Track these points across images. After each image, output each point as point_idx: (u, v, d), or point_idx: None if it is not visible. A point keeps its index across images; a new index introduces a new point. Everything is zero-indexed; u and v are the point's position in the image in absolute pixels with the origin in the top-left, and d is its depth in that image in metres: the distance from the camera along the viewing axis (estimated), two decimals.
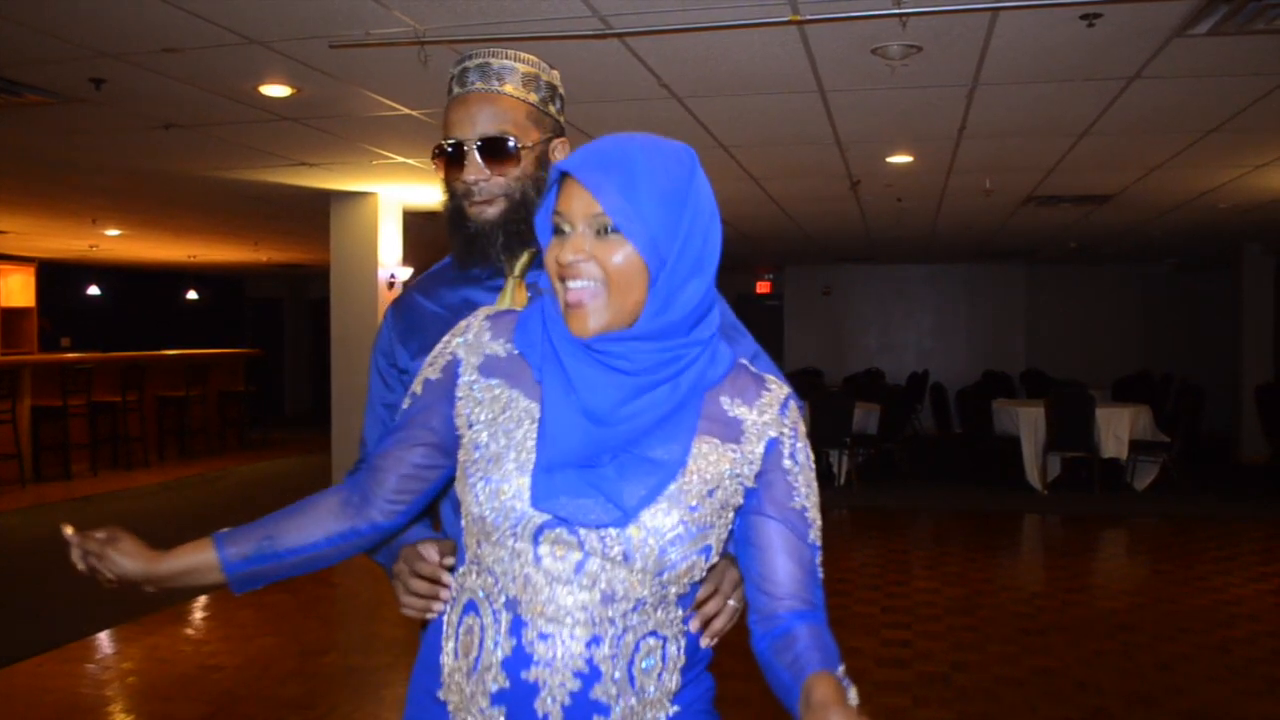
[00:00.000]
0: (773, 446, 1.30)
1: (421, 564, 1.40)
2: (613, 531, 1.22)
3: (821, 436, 9.74)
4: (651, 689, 1.29)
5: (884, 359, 15.80)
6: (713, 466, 1.26)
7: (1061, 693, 4.43)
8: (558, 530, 1.23)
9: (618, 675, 1.26)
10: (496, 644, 1.27)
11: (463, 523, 1.31)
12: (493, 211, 1.55)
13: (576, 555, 1.23)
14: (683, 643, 1.32)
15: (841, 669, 1.20)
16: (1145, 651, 4.99)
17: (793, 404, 1.34)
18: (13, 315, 13.12)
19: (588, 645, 1.25)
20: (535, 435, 1.26)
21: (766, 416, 1.30)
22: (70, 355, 11.64)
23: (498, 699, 1.26)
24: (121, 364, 11.39)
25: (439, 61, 4.37)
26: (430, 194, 8.34)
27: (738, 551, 1.34)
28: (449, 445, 1.34)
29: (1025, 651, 4.99)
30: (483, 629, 1.28)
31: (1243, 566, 6.84)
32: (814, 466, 1.35)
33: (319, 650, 5.05)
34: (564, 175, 1.23)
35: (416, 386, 1.38)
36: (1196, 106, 5.32)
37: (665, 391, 1.25)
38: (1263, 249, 12.48)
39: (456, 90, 1.59)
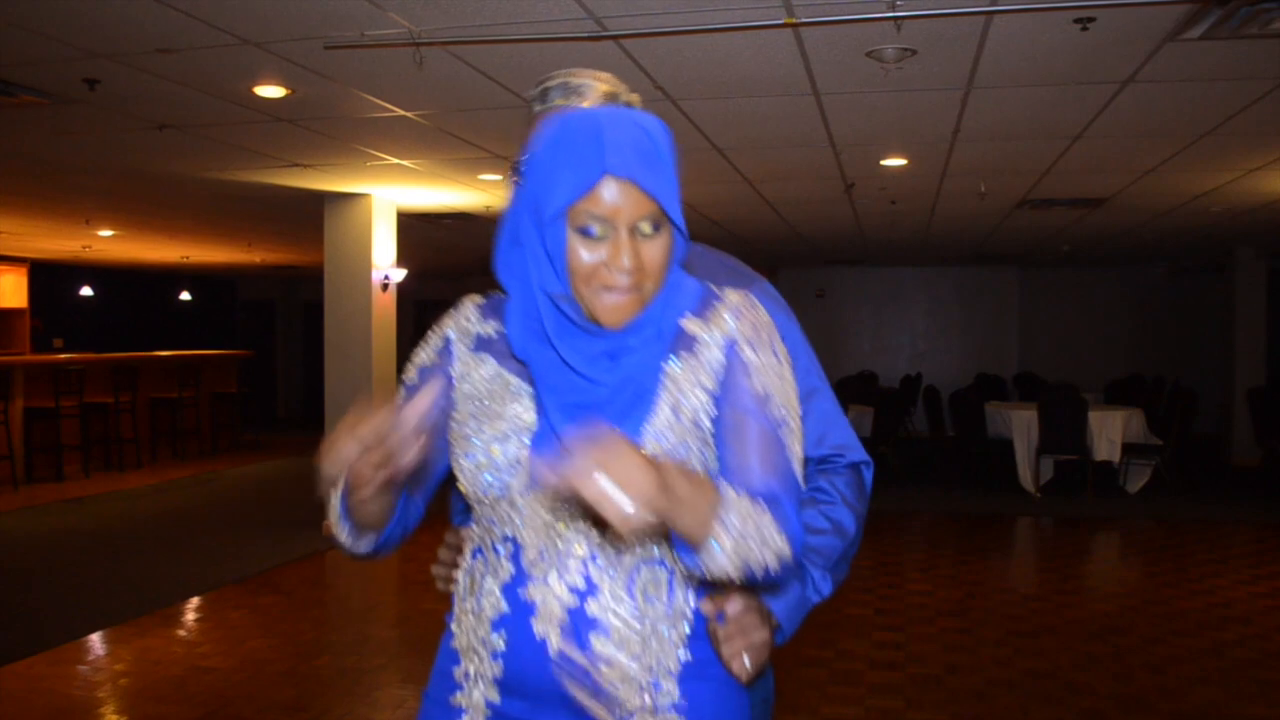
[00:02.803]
0: (731, 349, 1.28)
1: (449, 537, 1.52)
2: None
3: None
4: (654, 620, 1.26)
5: (877, 361, 15.83)
6: (677, 387, 1.26)
7: (1054, 695, 4.44)
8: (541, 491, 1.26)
9: (616, 591, 1.25)
10: (497, 572, 1.29)
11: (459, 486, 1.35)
12: None
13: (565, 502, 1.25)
14: (694, 582, 1.30)
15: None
16: (1137, 654, 5.00)
17: (749, 309, 1.31)
18: (5, 316, 13.09)
19: (585, 562, 1.25)
20: (519, 407, 1.29)
21: (721, 325, 1.29)
22: (63, 356, 11.60)
23: (498, 625, 1.27)
24: (114, 365, 11.36)
25: (433, 63, 4.37)
26: (424, 196, 8.33)
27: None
28: (443, 426, 1.36)
29: (1018, 654, 5.00)
30: (486, 562, 1.31)
31: (1234, 569, 6.86)
32: (786, 362, 1.31)
33: (312, 652, 5.04)
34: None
35: (411, 373, 1.40)
36: (1190, 110, 5.34)
37: (652, 340, 1.27)
38: (1255, 253, 12.52)
39: (538, 108, 1.57)
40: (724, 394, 1.26)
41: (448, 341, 1.38)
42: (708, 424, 1.26)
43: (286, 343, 19.19)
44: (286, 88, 4.86)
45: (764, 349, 1.29)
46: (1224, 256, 12.93)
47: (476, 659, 1.30)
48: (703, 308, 1.30)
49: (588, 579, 1.25)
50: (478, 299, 1.41)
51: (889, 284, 16.08)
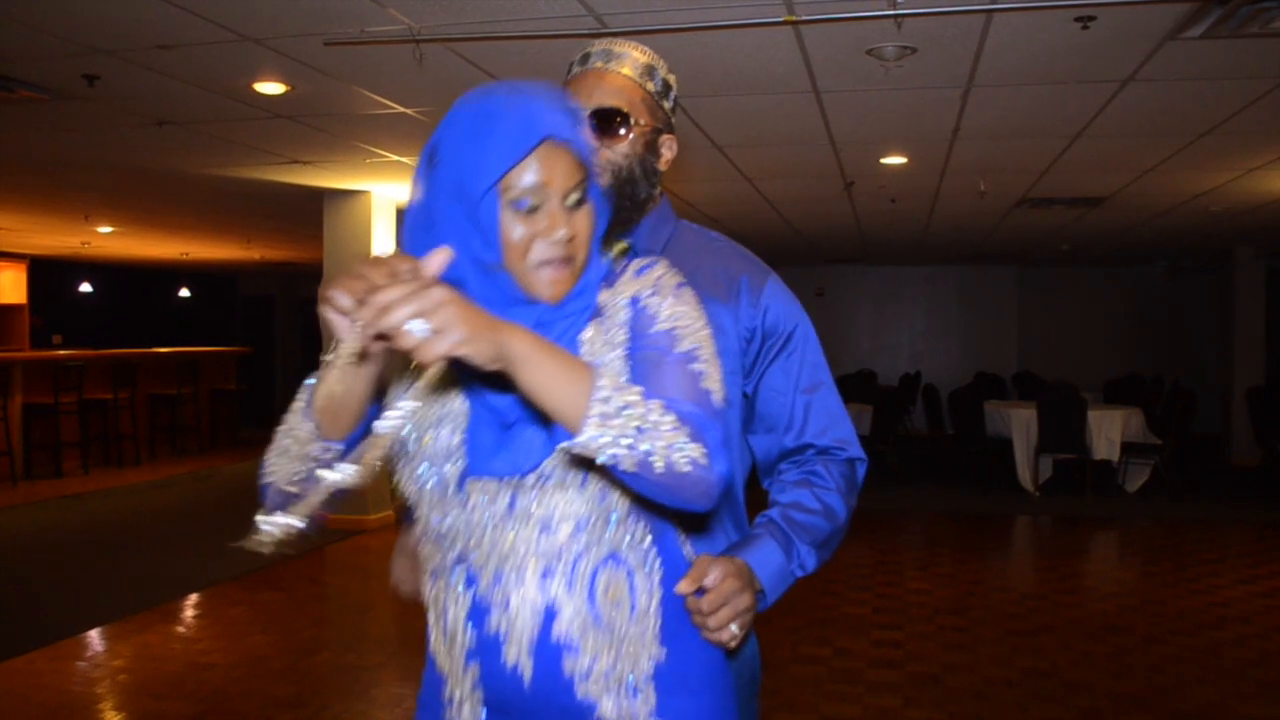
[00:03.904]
0: (635, 303, 1.28)
1: (400, 553, 1.47)
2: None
3: None
4: (623, 625, 1.25)
5: (876, 360, 15.83)
6: (593, 352, 1.26)
7: (1052, 694, 4.44)
8: (479, 478, 1.24)
9: (579, 607, 1.23)
10: (457, 601, 1.27)
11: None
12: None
13: (505, 491, 1.23)
14: (657, 577, 1.29)
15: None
16: (1135, 653, 5.00)
17: (650, 269, 1.32)
18: (4, 312, 13.09)
19: (541, 578, 1.23)
20: (443, 400, 1.27)
21: (625, 289, 1.30)
22: (62, 352, 11.60)
23: (471, 656, 1.26)
24: (113, 361, 11.36)
25: (434, 60, 4.36)
26: None
27: None
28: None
29: (1016, 652, 5.00)
30: (444, 591, 1.29)
31: (1233, 569, 6.86)
32: (694, 305, 1.31)
33: (310, 649, 5.04)
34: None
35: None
36: (1190, 109, 5.33)
37: (582, 311, 1.27)
38: (1255, 252, 12.52)
39: (576, 70, 1.59)
40: (634, 341, 1.26)
41: None
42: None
43: (286, 339, 19.18)
44: (286, 84, 4.86)
45: (666, 296, 1.28)
46: (1223, 256, 12.93)
47: (459, 685, 1.29)
48: (610, 279, 1.32)
49: (547, 598, 1.23)
50: None
51: (888, 282, 16.09)
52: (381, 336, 1.01)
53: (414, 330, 0.99)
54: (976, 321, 15.95)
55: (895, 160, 6.81)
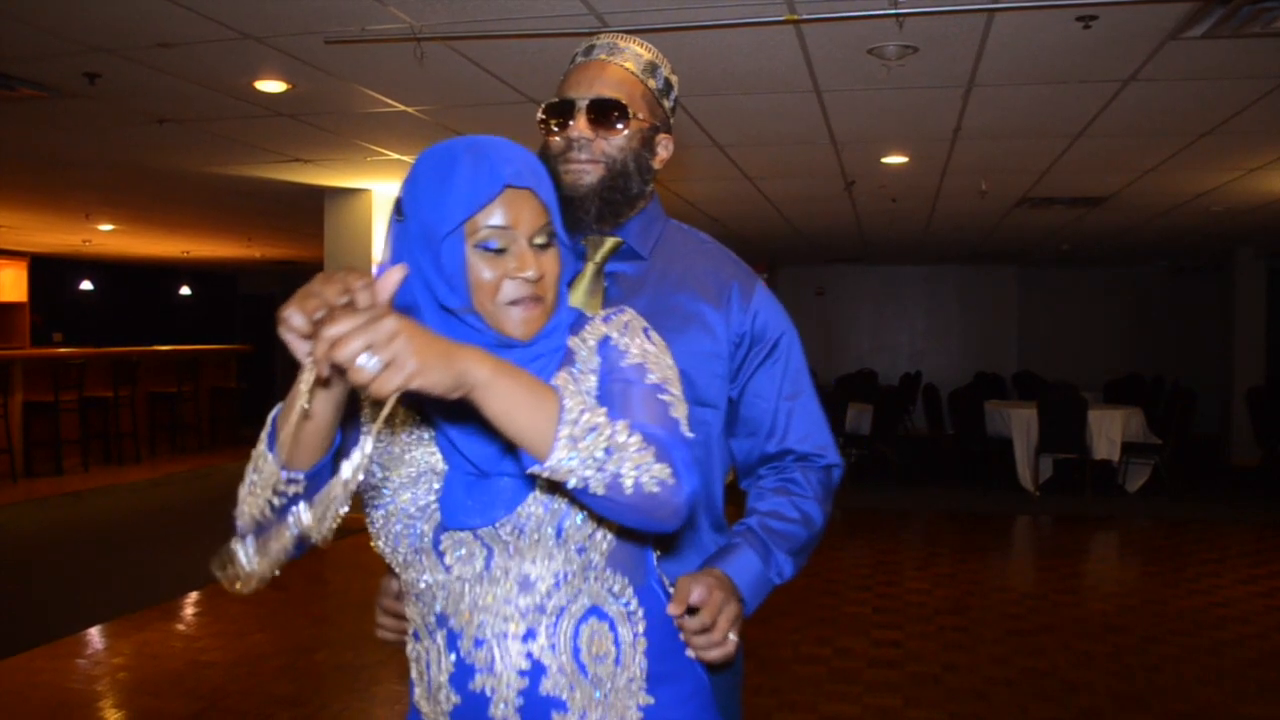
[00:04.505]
0: (604, 344, 1.29)
1: (383, 598, 1.48)
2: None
3: None
4: (608, 678, 1.25)
5: (877, 359, 15.83)
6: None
7: (1052, 694, 4.44)
8: (453, 532, 1.23)
9: (564, 665, 1.23)
10: (439, 663, 1.26)
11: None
12: (591, 178, 1.53)
13: (481, 550, 1.23)
14: (640, 626, 1.29)
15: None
16: (1135, 653, 5.00)
17: (617, 314, 1.33)
18: (5, 310, 13.10)
19: (524, 640, 1.23)
20: (423, 451, 1.26)
21: (594, 332, 1.30)
22: (62, 350, 11.60)
23: (456, 715, 1.26)
24: (113, 359, 11.36)
25: (434, 58, 4.36)
26: None
27: None
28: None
29: (1016, 652, 5.00)
30: (427, 651, 1.29)
31: (1233, 569, 6.86)
32: (661, 347, 1.32)
33: (310, 647, 5.04)
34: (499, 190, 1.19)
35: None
36: (1191, 109, 5.33)
37: (554, 351, 1.27)
38: (1255, 253, 12.51)
39: (580, 60, 1.58)
40: (603, 377, 1.26)
41: None
42: None
43: None
44: (287, 82, 4.86)
45: (635, 336, 1.30)
46: (1224, 256, 12.92)
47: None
48: (578, 325, 1.32)
49: (531, 659, 1.23)
50: None
51: (889, 282, 16.08)
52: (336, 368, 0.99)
53: (365, 366, 0.96)
54: (977, 321, 15.95)
55: (896, 160, 6.81)
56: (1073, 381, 11.23)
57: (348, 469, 1.07)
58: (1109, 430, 9.54)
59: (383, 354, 0.96)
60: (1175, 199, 8.47)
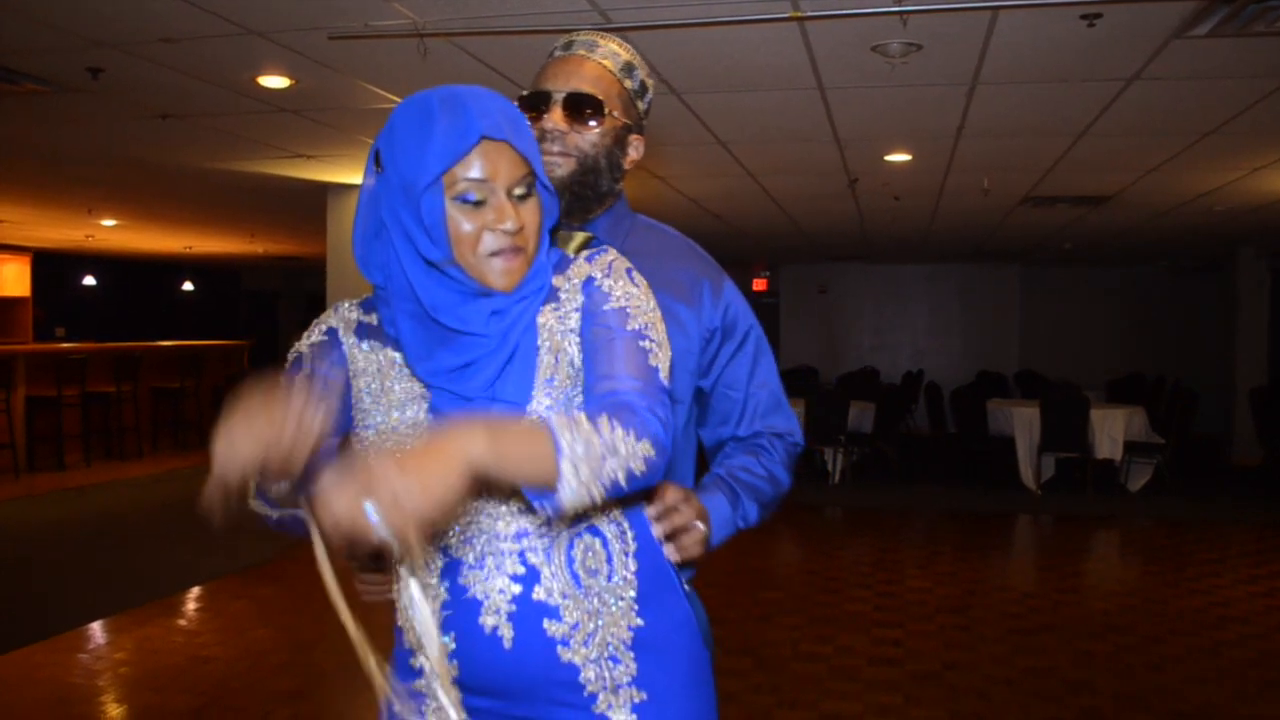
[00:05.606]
0: (588, 284, 1.31)
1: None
2: None
3: (816, 434, 9.75)
4: (600, 592, 1.27)
5: (879, 358, 15.83)
6: (550, 333, 1.28)
7: (1053, 693, 4.44)
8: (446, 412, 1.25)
9: (556, 570, 1.25)
10: (431, 568, 1.28)
11: None
12: (562, 170, 1.54)
13: None
14: (632, 547, 1.32)
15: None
16: (1136, 652, 5.00)
17: (601, 255, 1.35)
18: (8, 305, 13.10)
19: (516, 539, 1.25)
20: (409, 382, 1.29)
21: (578, 272, 1.32)
22: (65, 345, 11.61)
23: (446, 626, 1.27)
24: (116, 355, 11.37)
25: (438, 54, 4.36)
26: None
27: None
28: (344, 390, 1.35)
29: (1017, 651, 5.00)
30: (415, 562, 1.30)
31: (1234, 569, 6.86)
32: (644, 287, 1.34)
33: (311, 642, 5.04)
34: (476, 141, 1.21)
35: (302, 348, 1.38)
36: (1195, 108, 5.32)
37: (535, 295, 1.29)
38: (1257, 252, 12.50)
39: (559, 54, 1.60)
40: (586, 320, 1.28)
41: (332, 331, 1.38)
42: (579, 363, 1.28)
43: (289, 333, 19.13)
44: (290, 78, 4.86)
45: (619, 278, 1.31)
46: (1226, 256, 12.91)
47: (434, 663, 1.26)
48: (563, 265, 1.34)
49: (524, 560, 1.25)
50: (353, 300, 1.42)
51: (891, 280, 16.07)
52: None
53: (375, 520, 0.93)
54: (979, 320, 15.94)
55: (899, 157, 6.81)
56: (1075, 380, 11.24)
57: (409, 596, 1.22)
58: (1111, 429, 9.54)
59: (380, 501, 0.94)
60: (1178, 198, 8.46)
